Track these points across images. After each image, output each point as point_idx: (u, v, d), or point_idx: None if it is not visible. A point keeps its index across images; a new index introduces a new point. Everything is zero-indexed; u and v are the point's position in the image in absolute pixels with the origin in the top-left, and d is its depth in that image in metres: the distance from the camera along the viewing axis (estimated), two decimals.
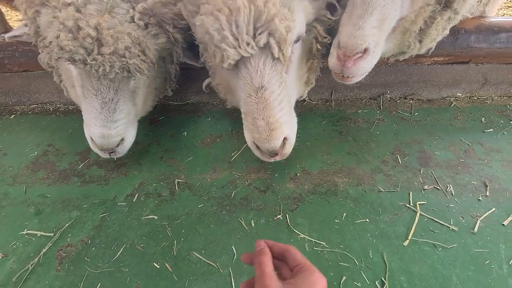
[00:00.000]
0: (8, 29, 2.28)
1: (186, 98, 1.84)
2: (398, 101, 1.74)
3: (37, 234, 1.22)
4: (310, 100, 1.77)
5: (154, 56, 1.16)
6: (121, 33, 1.05)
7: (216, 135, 1.61)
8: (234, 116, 1.74)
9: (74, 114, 1.85)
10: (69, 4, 1.05)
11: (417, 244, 1.09)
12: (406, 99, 1.74)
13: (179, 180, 1.39)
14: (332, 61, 1.07)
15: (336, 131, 1.58)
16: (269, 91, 1.07)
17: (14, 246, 1.18)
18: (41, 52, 1.31)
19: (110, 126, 1.19)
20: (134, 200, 1.32)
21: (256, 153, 1.20)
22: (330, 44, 1.19)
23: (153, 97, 1.45)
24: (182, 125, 1.70)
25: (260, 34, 0.96)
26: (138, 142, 1.61)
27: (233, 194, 1.31)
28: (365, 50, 1.00)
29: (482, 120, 1.63)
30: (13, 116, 1.86)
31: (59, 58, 1.05)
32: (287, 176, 1.37)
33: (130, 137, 1.31)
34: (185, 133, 1.64)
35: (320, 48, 1.20)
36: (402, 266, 1.04)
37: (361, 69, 1.06)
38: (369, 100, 1.75)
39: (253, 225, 1.19)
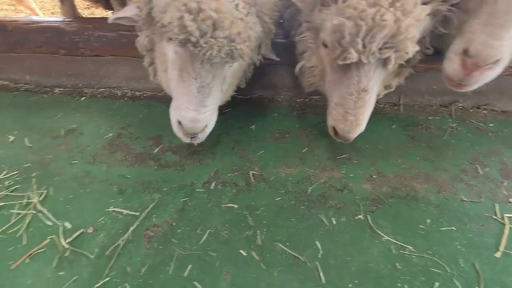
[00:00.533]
0: (76, 15, 2.39)
1: (251, 92, 1.87)
2: (470, 110, 1.70)
3: (123, 212, 1.27)
4: (377, 102, 1.76)
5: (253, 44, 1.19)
6: (236, 18, 1.07)
7: (284, 131, 1.63)
8: (299, 114, 1.75)
9: (141, 100, 1.91)
10: None
11: (510, 256, 1.07)
12: (479, 108, 1.70)
13: (254, 172, 1.41)
14: (453, 67, 1.06)
15: (408, 136, 1.56)
16: (369, 94, 1.13)
17: (103, 222, 1.24)
18: (140, 35, 1.34)
19: (201, 110, 1.20)
20: (211, 188, 1.35)
21: (331, 132, 1.32)
22: None
23: (233, 86, 1.47)
24: (249, 118, 1.72)
25: (387, 48, 0.99)
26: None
27: (309, 190, 1.32)
28: (497, 61, 0.99)
29: None
30: (83, 98, 1.95)
31: (174, 39, 1.07)
32: (362, 177, 1.37)
33: (211, 124, 1.33)
34: (253, 126, 1.66)
35: (421, 58, 1.20)
36: (495, 277, 1.02)
37: (487, 79, 1.06)
38: (440, 107, 1.72)
39: (334, 222, 1.20)
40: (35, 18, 2.07)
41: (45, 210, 1.29)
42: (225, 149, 1.54)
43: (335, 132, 1.28)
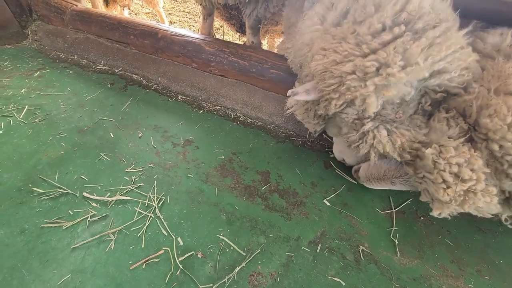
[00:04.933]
0: (212, 33, 2.64)
1: None
2: None
3: (230, 246, 1.29)
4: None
5: None
6: (417, 147, 1.12)
7: (400, 209, 1.51)
8: (417, 193, 1.61)
9: (252, 128, 1.99)
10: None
11: None
12: None
13: (363, 248, 1.32)
14: None
15: None
16: None
17: (211, 250, 1.27)
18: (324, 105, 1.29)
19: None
20: (317, 251, 1.30)
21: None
22: None
23: None
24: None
25: None
26: (315, 184, 1.62)
27: None
28: None
29: None
30: (201, 111, 2.11)
31: (374, 154, 1.19)
32: None
33: None
34: (366, 192, 1.58)
35: None
36: None
37: None
38: None
39: None
40: (182, 31, 2.35)
41: (162, 218, 1.39)
42: (333, 210, 1.48)
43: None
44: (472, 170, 1.01)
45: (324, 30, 1.24)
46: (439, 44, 1.00)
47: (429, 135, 1.14)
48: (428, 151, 1.07)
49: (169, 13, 6.03)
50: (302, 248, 1.31)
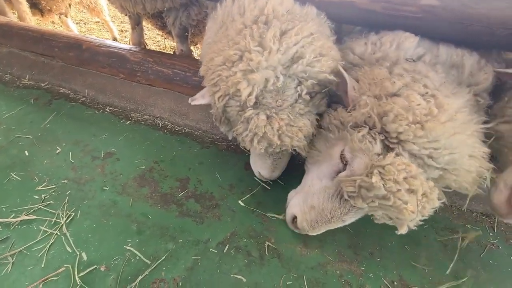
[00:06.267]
0: (142, 42, 2.63)
1: None
2: None
3: (136, 256, 1.30)
4: None
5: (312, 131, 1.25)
6: (295, 131, 1.17)
7: None
8: None
9: (178, 135, 2.01)
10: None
11: None
12: None
13: (269, 244, 1.39)
14: (500, 200, 1.01)
15: (441, 242, 1.45)
16: None
17: (116, 262, 1.27)
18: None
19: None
20: (224, 251, 1.35)
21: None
22: None
23: None
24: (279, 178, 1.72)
25: None
26: (233, 186, 1.67)
27: (321, 283, 1.26)
28: None
29: None
30: (128, 122, 2.09)
31: (256, 140, 1.21)
32: (381, 280, 1.28)
33: None
34: (281, 189, 1.66)
35: None
36: None
37: None
38: (481, 215, 1.59)
39: None
40: (107, 42, 2.32)
41: (68, 235, 1.36)
42: (246, 211, 1.53)
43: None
44: (413, 177, 1.01)
45: (212, 41, 1.31)
46: (290, 32, 1.13)
47: (360, 160, 1.10)
48: (375, 179, 1.01)
49: (121, 21, 5.89)
50: (210, 250, 1.35)
